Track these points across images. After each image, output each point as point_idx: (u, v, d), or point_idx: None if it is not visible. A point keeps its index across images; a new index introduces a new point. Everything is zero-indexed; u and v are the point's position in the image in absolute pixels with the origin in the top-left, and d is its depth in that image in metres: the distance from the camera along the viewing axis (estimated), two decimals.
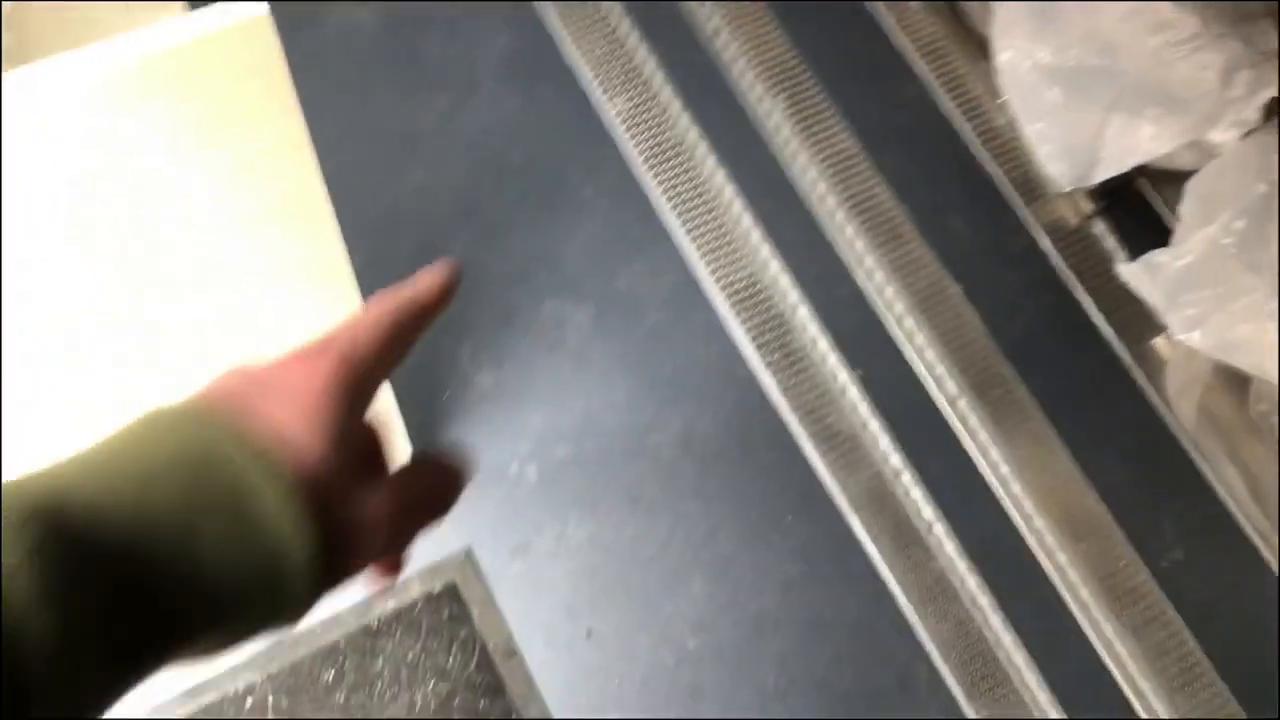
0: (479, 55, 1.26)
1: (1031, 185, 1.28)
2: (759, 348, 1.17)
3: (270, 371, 0.32)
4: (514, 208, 1.21)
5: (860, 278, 1.22)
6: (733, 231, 1.22)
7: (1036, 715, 1.05)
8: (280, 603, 0.29)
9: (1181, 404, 1.06)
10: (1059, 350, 1.21)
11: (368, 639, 1.01)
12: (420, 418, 1.11)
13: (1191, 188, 0.91)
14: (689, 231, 1.21)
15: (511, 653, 1.02)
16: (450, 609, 1.02)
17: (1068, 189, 1.00)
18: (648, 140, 1.25)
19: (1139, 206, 1.24)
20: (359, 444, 0.34)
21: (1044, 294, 1.24)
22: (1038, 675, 1.06)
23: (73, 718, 0.26)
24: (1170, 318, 0.87)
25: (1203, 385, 1.02)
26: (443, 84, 1.25)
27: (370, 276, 1.14)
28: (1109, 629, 1.09)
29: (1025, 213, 1.27)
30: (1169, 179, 0.97)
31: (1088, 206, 1.26)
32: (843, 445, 1.14)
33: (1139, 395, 1.18)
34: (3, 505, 0.25)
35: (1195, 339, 0.86)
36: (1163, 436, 1.16)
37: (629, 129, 1.25)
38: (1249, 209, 0.83)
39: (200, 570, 0.28)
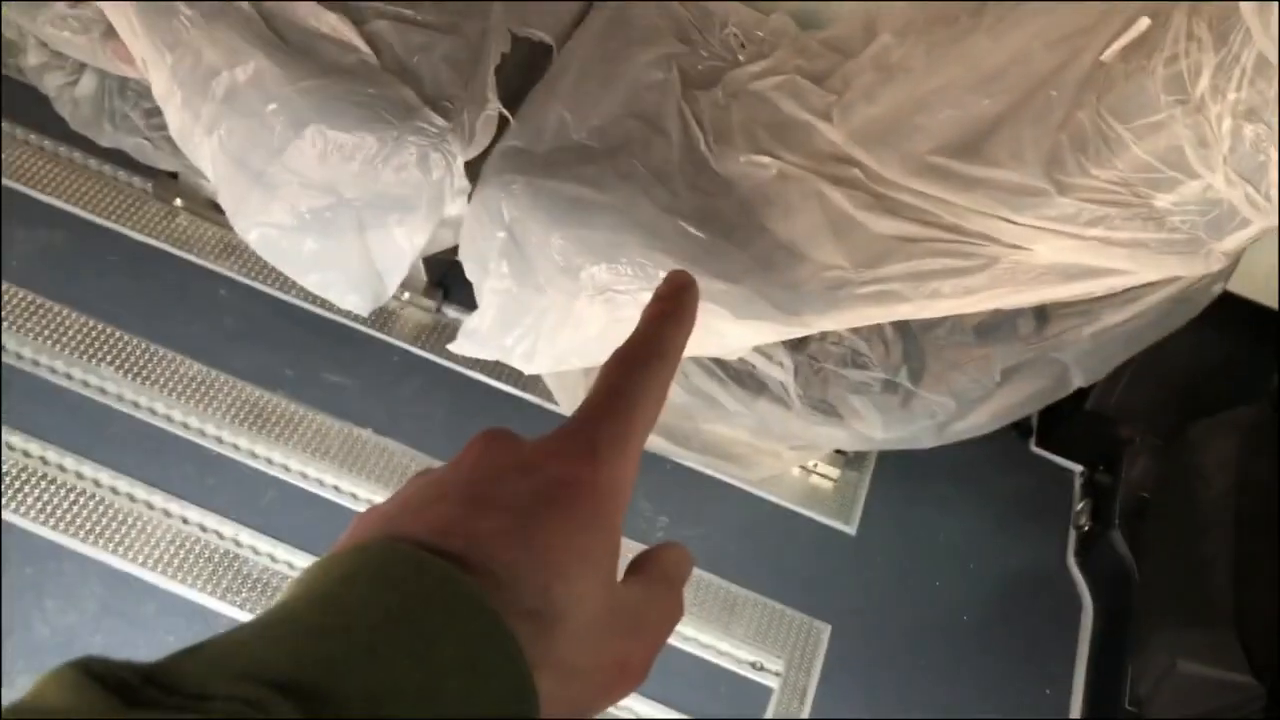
0: None
1: (381, 313, 1.36)
2: (223, 595, 1.11)
3: (550, 475, 0.29)
4: None
5: (276, 473, 1.21)
6: (118, 504, 1.15)
7: None
8: None
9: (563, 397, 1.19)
10: (478, 428, 1.29)
11: None
12: None
13: (463, 255, 1.03)
14: (77, 535, 1.12)
15: None
16: None
17: (371, 310, 1.08)
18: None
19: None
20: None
21: (440, 393, 1.32)
22: None
23: None
24: (513, 362, 0.98)
25: (581, 386, 1.16)
26: None
27: None
28: None
29: (385, 335, 1.35)
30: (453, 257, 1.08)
31: (431, 303, 1.37)
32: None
33: (556, 420, 1.31)
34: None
35: (538, 366, 0.98)
36: None
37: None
38: (503, 252, 0.96)
39: None
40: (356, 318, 1.34)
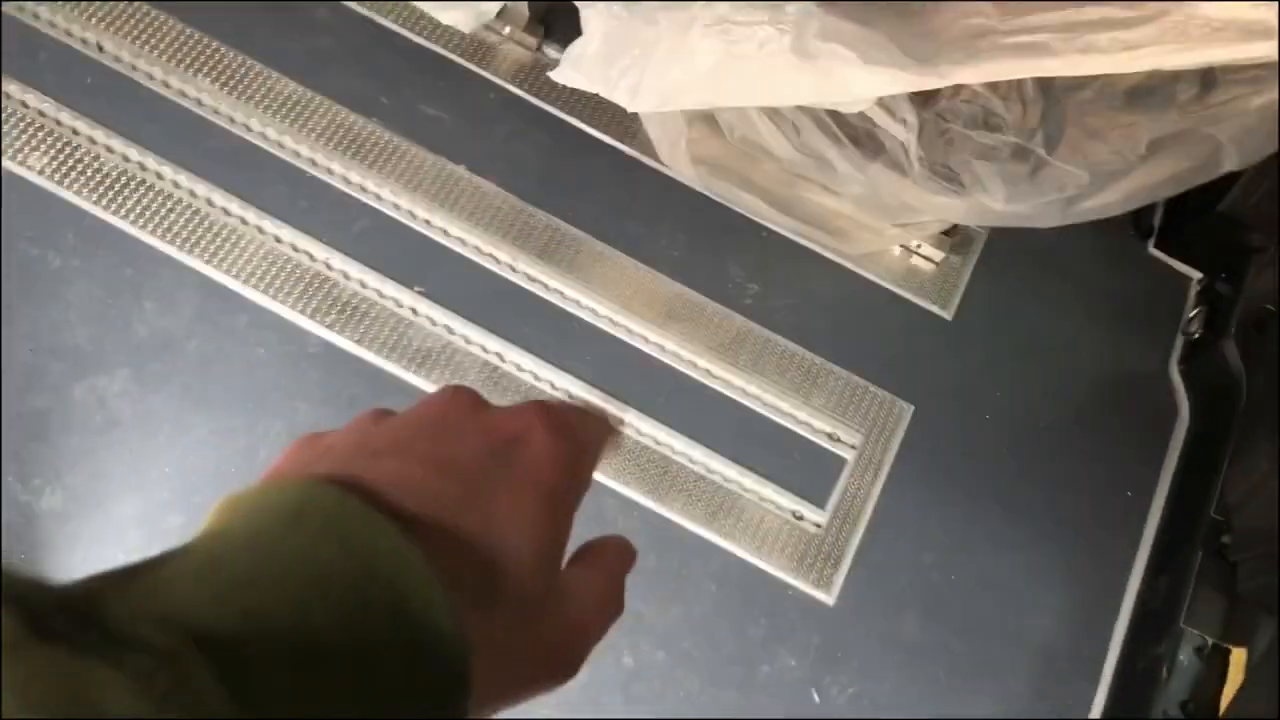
0: None
1: (476, 44, 1.30)
2: (312, 316, 1.12)
3: (507, 435, 0.29)
4: None
5: (370, 202, 1.19)
6: (213, 216, 1.15)
7: (718, 481, 1.13)
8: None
9: (677, 163, 1.14)
10: (573, 174, 1.26)
11: None
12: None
13: None
14: (174, 243, 1.13)
15: None
16: None
17: (473, 27, 1.02)
18: (84, 181, 1.14)
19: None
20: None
21: (536, 132, 1.28)
22: (702, 449, 1.14)
23: None
24: (616, 97, 0.93)
25: (684, 138, 1.10)
26: None
27: None
28: (733, 377, 1.18)
29: (482, 70, 1.29)
30: None
31: (532, 40, 1.30)
32: (442, 358, 1.14)
33: (655, 175, 1.26)
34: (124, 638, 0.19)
35: (642, 104, 0.92)
36: (688, 199, 1.25)
37: (60, 179, 1.13)
38: None
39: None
40: (455, 49, 1.29)
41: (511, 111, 1.28)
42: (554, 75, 0.92)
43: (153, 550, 0.23)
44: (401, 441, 0.28)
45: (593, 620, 0.30)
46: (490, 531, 0.27)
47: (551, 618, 0.28)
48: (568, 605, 0.29)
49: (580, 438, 0.30)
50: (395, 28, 1.29)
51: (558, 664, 0.29)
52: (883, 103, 0.96)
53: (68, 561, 0.99)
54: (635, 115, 1.26)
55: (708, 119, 1.13)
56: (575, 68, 0.90)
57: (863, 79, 0.87)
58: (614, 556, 0.33)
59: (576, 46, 0.91)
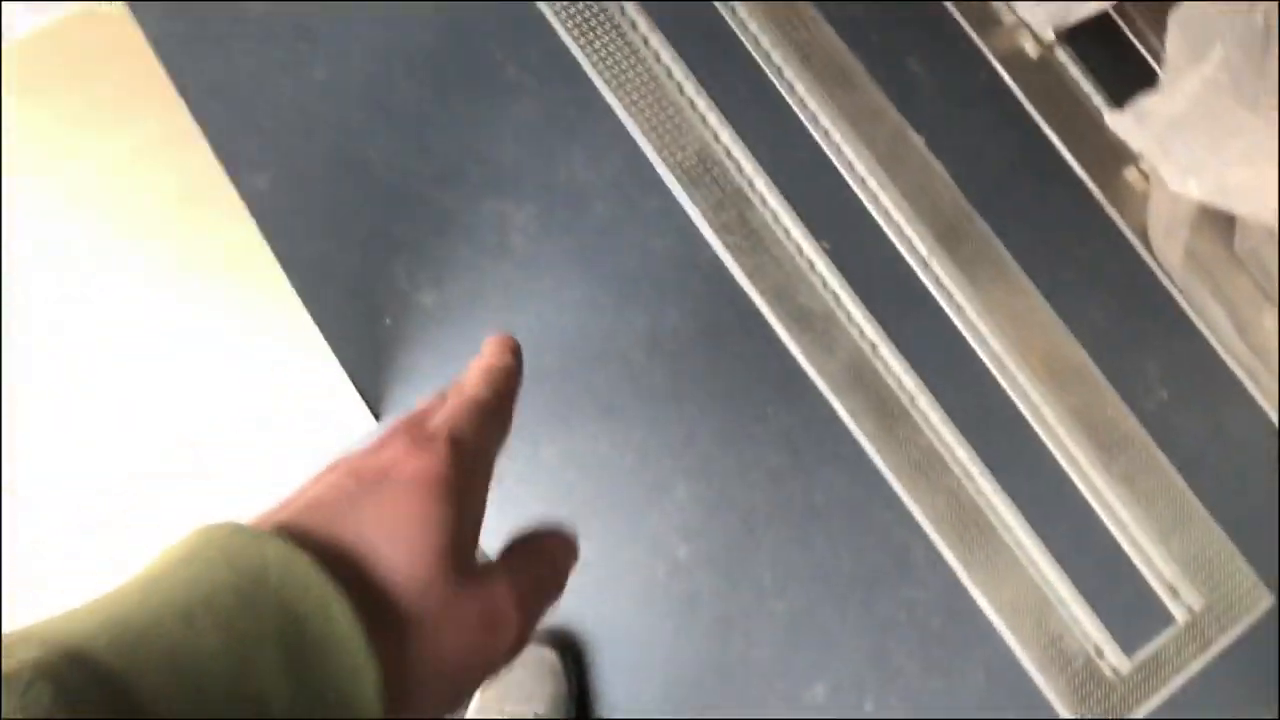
0: None
1: (987, 15, 1.19)
2: (718, 229, 1.08)
3: (380, 465, 0.30)
4: (432, 98, 1.08)
5: (817, 138, 1.13)
6: (676, 100, 1.11)
7: (1034, 575, 1.03)
8: None
9: (1167, 248, 1.01)
10: (1029, 193, 1.14)
11: None
12: (361, 351, 1.02)
13: (1177, 19, 0.82)
14: (628, 105, 1.10)
15: None
16: None
17: (1050, 35, 0.91)
18: (572, 6, 1.12)
19: (1102, 30, 1.16)
20: (476, 528, 0.32)
21: (1009, 133, 1.17)
22: (1033, 536, 1.05)
23: None
24: (1164, 168, 0.81)
25: (1189, 227, 0.97)
26: None
27: (285, 195, 1.02)
28: (1099, 480, 1.07)
29: (984, 46, 1.18)
30: None
31: (1048, 35, 1.17)
32: (817, 324, 1.08)
33: (1113, 231, 1.13)
34: (2, 661, 0.21)
35: (1192, 188, 0.80)
36: (1140, 272, 1.12)
37: None
38: (1244, 41, 0.76)
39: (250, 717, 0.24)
40: (964, 11, 1.18)
41: (993, 100, 1.17)
42: (1110, 120, 0.81)
43: None
44: (320, 483, 0.30)
45: (509, 610, 0.30)
46: (362, 540, 0.28)
47: (468, 601, 0.29)
48: (486, 591, 0.30)
49: (455, 428, 0.31)
50: None
51: (486, 639, 0.29)
52: None
53: (423, 358, 1.02)
54: (1120, 161, 1.12)
55: (1220, 216, 0.99)
56: (1140, 123, 0.79)
57: None
58: (545, 557, 0.34)
59: (1152, 102, 0.80)
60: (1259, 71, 0.77)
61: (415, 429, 0.31)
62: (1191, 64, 0.79)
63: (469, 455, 0.31)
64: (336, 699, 0.25)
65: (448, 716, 0.30)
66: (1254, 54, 0.77)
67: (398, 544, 0.28)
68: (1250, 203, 0.80)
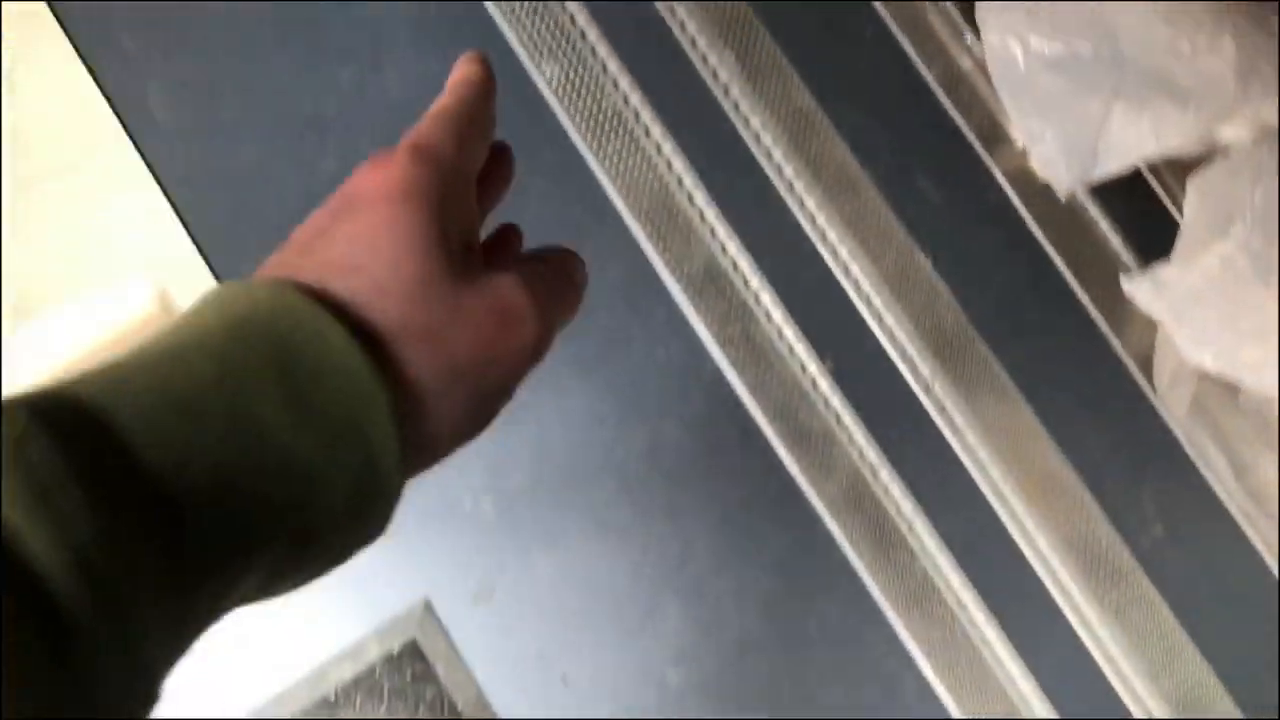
0: (385, 17, 1.09)
1: (996, 134, 1.19)
2: (722, 343, 1.08)
3: (344, 192, 0.29)
4: None
5: (825, 256, 1.12)
6: (685, 209, 1.10)
7: (1025, 716, 1.03)
8: (372, 468, 0.26)
9: (1172, 401, 1.01)
10: (1033, 319, 1.14)
11: (326, 711, 0.93)
12: None
13: (1196, 185, 0.83)
14: (636, 211, 1.09)
15: (484, 707, 0.96)
16: (413, 669, 0.94)
17: (1066, 193, 0.91)
18: (584, 108, 1.11)
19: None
20: (467, 238, 0.31)
21: (1015, 255, 1.16)
22: (1024, 670, 1.04)
23: (127, 671, 0.21)
24: (1179, 337, 0.81)
25: (1194, 384, 0.97)
26: (346, 54, 1.08)
27: None
28: (1091, 614, 1.07)
29: (993, 165, 1.18)
30: None
31: (1065, 194, 1.17)
32: (817, 444, 1.07)
33: (1115, 362, 1.13)
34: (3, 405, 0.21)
35: (1206, 361, 0.80)
36: (1140, 406, 1.12)
37: (562, 97, 1.11)
38: (1262, 219, 0.76)
39: (256, 452, 0.23)
40: (973, 127, 1.18)
41: (1002, 221, 1.17)
42: (1127, 285, 0.81)
43: None
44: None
45: (521, 299, 0.30)
46: (346, 263, 0.27)
47: (472, 296, 0.29)
48: (491, 285, 0.30)
49: (407, 158, 0.30)
50: (928, 77, 1.19)
51: (499, 334, 0.30)
52: None
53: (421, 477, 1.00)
54: (1124, 306, 1.12)
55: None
56: (1157, 293, 0.79)
57: None
58: (557, 258, 0.35)
59: (1169, 271, 0.80)
60: (1274, 248, 0.78)
61: (378, 153, 0.31)
62: (1211, 234, 0.79)
63: (433, 159, 0.30)
64: (347, 426, 0.24)
65: (480, 428, 0.33)
66: (1273, 231, 0.77)
67: (379, 254, 0.27)
68: (1263, 380, 0.80)
